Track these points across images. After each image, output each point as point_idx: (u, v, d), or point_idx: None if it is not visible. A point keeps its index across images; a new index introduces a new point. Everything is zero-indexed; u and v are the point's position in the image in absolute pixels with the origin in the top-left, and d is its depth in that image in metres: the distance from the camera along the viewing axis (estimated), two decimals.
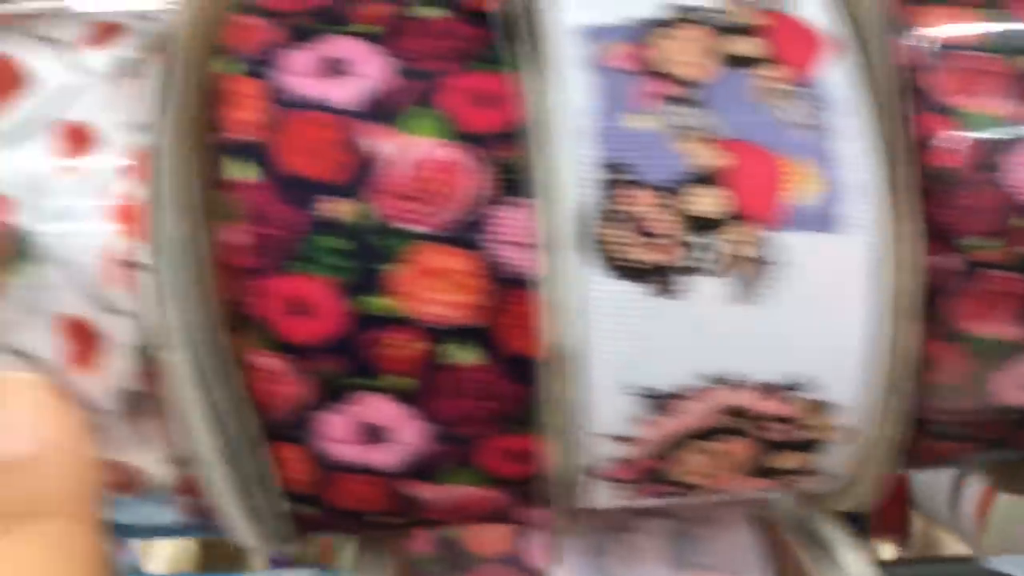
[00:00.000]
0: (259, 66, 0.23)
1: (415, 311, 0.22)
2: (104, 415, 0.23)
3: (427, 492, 0.25)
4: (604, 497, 0.26)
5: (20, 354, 0.22)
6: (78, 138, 0.23)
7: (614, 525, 0.31)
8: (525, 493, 0.26)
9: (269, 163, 0.22)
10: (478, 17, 0.24)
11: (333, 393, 0.23)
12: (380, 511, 0.26)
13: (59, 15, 0.25)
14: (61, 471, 0.21)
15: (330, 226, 0.22)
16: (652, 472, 0.25)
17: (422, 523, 0.27)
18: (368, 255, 0.22)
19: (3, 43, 0.24)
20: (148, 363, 0.22)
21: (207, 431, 0.23)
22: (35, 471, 0.21)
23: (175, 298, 0.22)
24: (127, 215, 0.22)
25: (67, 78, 0.23)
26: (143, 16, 0.25)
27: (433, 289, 0.22)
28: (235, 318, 0.22)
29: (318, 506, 0.25)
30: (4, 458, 0.21)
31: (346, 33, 0.24)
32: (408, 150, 0.22)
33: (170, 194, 0.22)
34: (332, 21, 0.24)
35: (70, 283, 0.22)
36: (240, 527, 0.25)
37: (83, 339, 0.22)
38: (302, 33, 0.24)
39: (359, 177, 0.22)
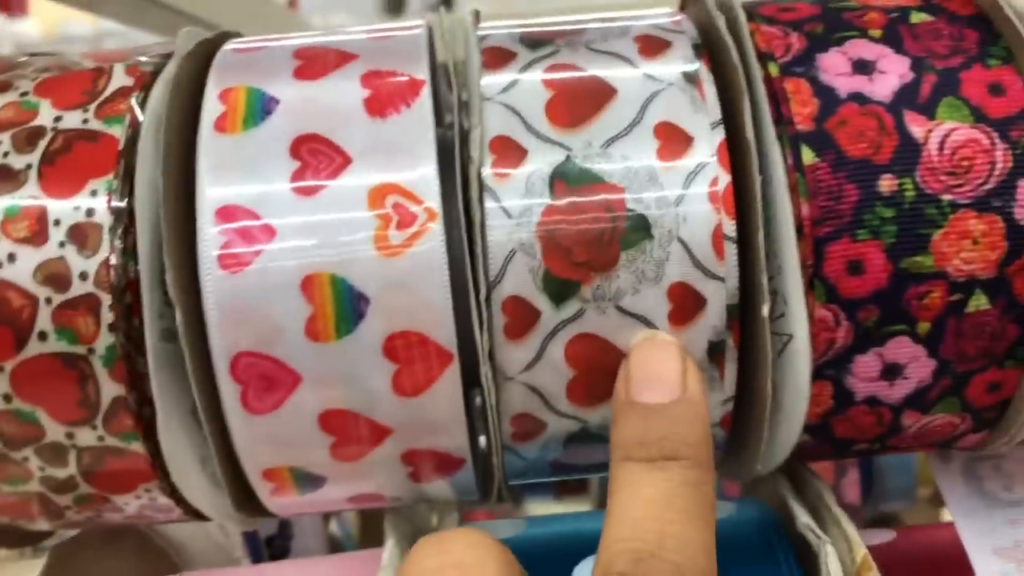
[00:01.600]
0: (803, 68, 0.28)
1: (946, 268, 0.27)
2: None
3: (914, 420, 0.30)
4: None
5: (631, 315, 0.27)
6: (671, 134, 0.27)
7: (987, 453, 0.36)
8: (984, 421, 0.31)
9: (830, 148, 0.27)
10: (964, 19, 0.29)
11: (869, 338, 0.28)
12: (869, 439, 0.31)
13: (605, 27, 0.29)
14: (696, 422, 0.26)
15: (883, 199, 0.27)
16: None
17: (888, 450, 0.32)
18: (912, 222, 0.27)
19: (580, 61, 0.28)
20: (731, 319, 0.27)
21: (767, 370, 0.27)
22: (677, 419, 0.26)
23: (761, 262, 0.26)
24: (721, 197, 0.27)
25: (645, 86, 0.28)
26: (667, 28, 0.30)
27: (964, 249, 0.27)
28: (807, 277, 0.27)
29: (820, 435, 0.30)
30: (654, 402, 0.26)
31: (857, 38, 0.29)
32: (943, 133, 0.27)
33: (754, 178, 0.26)
34: (840, 28, 0.29)
35: (684, 255, 0.26)
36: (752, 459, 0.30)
37: (686, 301, 0.27)
38: (822, 39, 0.29)
39: (904, 157, 0.27)
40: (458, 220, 0.27)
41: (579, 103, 0.28)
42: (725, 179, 0.27)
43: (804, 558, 0.33)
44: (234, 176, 0.27)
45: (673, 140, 0.27)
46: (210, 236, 0.26)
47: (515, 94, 0.28)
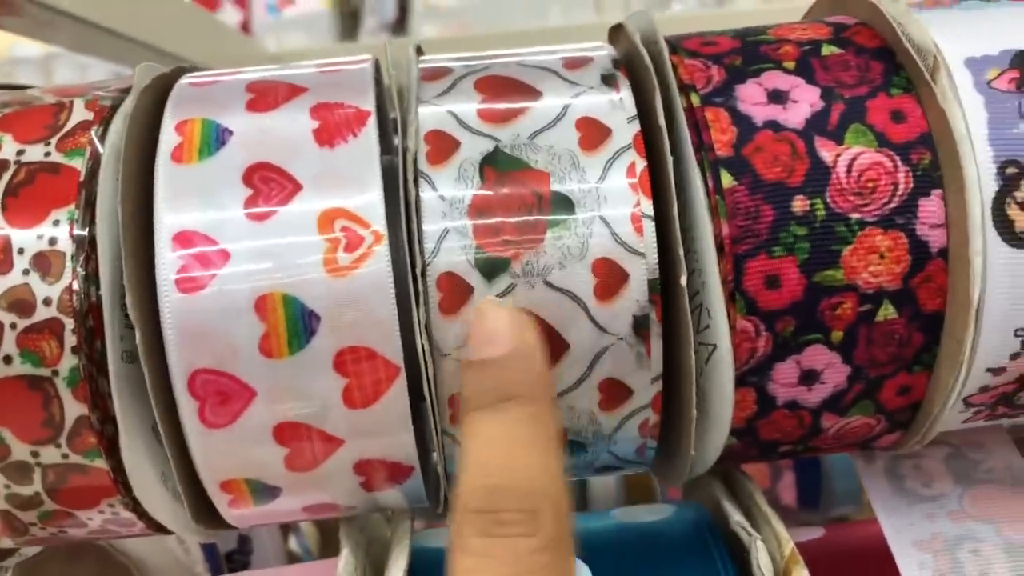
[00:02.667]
0: (722, 98, 0.30)
1: (856, 280, 0.30)
2: (617, 340, 0.29)
3: (832, 422, 0.32)
4: (956, 421, 0.33)
5: (559, 290, 0.29)
6: (591, 127, 0.29)
7: (905, 452, 0.38)
8: (898, 422, 0.33)
9: (747, 173, 0.29)
10: (870, 51, 0.31)
11: (787, 347, 0.30)
12: (792, 441, 0.33)
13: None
14: (528, 365, 0.27)
15: (797, 218, 0.29)
16: (1002, 397, 0.32)
17: (811, 451, 0.34)
18: (824, 239, 0.29)
19: (510, 72, 0.31)
20: (653, 293, 0.29)
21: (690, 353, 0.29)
22: (510, 366, 0.27)
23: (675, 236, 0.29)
24: (638, 179, 0.29)
25: (568, 89, 0.30)
26: (590, 50, 0.32)
27: (871, 263, 0.29)
28: (728, 291, 0.29)
29: (747, 438, 0.32)
30: (488, 356, 0.27)
31: (773, 69, 0.31)
32: (851, 157, 0.29)
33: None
34: (757, 61, 0.31)
35: (606, 233, 0.29)
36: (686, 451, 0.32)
37: (610, 276, 0.29)
38: (740, 71, 0.31)
39: (815, 180, 0.29)
40: (403, 242, 0.28)
41: (508, 103, 0.30)
42: (641, 163, 0.29)
43: (737, 555, 0.35)
44: (190, 203, 0.28)
45: (593, 131, 0.29)
46: (168, 261, 0.28)
47: (450, 96, 0.30)
